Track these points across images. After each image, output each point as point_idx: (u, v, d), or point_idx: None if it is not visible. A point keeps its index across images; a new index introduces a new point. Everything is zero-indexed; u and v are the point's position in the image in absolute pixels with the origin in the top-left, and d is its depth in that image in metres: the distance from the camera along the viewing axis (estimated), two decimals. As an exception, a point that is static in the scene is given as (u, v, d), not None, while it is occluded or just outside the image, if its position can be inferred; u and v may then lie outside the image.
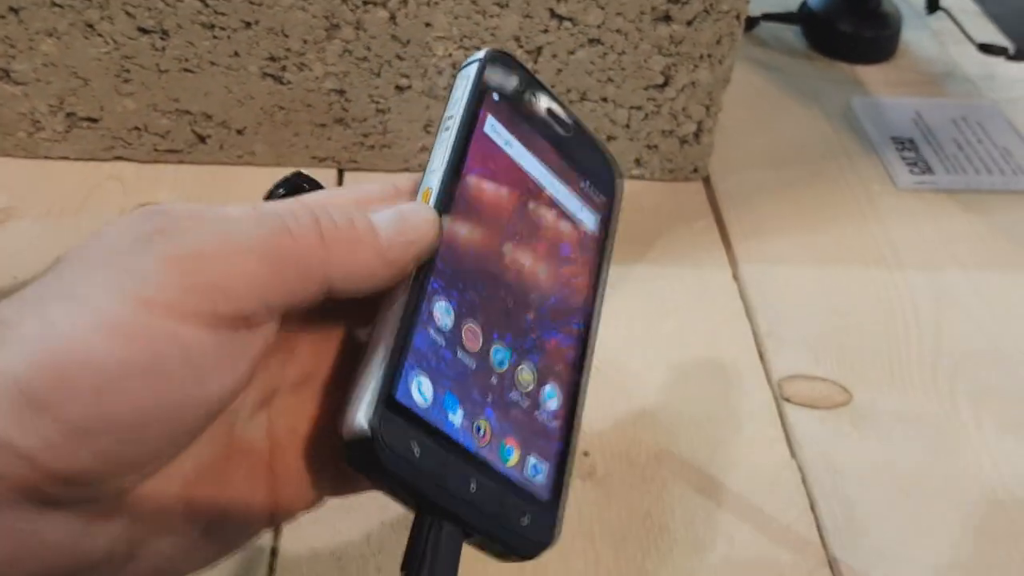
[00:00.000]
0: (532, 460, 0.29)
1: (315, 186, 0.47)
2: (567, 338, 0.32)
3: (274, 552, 0.42)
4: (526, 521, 0.28)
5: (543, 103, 0.33)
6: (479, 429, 0.27)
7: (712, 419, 0.50)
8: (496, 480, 0.27)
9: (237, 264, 0.23)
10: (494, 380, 0.28)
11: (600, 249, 0.34)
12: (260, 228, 0.24)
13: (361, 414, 0.24)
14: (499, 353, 0.29)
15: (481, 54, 0.31)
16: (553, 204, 0.32)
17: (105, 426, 0.21)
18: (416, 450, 0.25)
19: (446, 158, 0.29)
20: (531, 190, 0.31)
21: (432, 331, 0.26)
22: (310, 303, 0.25)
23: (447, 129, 0.29)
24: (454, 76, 0.31)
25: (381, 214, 0.26)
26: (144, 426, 0.22)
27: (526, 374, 0.29)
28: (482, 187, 0.29)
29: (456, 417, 0.27)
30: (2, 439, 0.20)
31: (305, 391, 0.28)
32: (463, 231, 0.28)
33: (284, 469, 0.27)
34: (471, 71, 0.30)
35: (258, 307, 0.23)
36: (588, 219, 0.33)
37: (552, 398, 0.30)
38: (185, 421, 0.23)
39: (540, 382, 0.30)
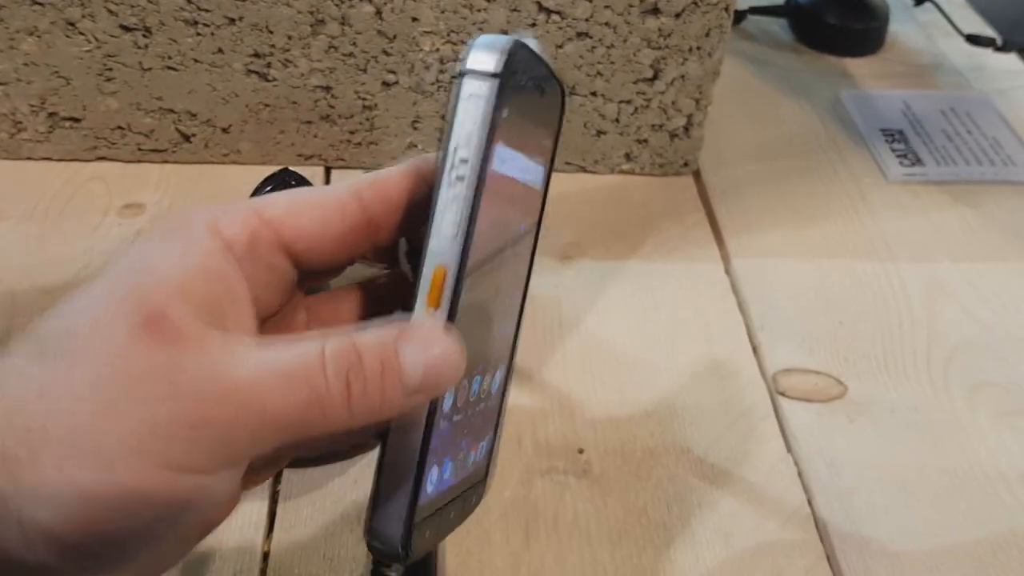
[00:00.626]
0: (482, 444, 0.30)
1: (302, 182, 0.46)
2: (512, 318, 0.31)
3: (266, 556, 0.42)
4: (475, 499, 0.30)
5: (533, 80, 0.27)
6: (460, 462, 0.28)
7: (707, 414, 0.50)
8: (464, 488, 0.29)
9: (262, 437, 0.24)
10: (470, 412, 0.28)
11: (542, 203, 0.31)
12: (289, 396, 0.24)
13: (392, 530, 0.25)
14: (476, 385, 0.28)
15: (496, 63, 0.24)
16: (533, 198, 0.30)
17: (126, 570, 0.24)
18: (427, 534, 0.26)
19: (461, 225, 0.25)
20: (522, 200, 0.29)
21: (443, 421, 0.26)
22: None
23: (460, 179, 0.25)
24: (458, 82, 0.25)
25: (411, 358, 0.25)
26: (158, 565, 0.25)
27: (487, 380, 0.29)
28: (488, 236, 0.27)
29: (448, 471, 0.27)
30: None
31: None
32: (470, 298, 0.26)
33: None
34: (485, 90, 0.24)
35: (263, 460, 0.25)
36: (540, 177, 0.30)
37: (497, 383, 0.30)
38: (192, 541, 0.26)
39: (492, 375, 0.30)
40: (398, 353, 0.25)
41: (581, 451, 0.47)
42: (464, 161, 0.25)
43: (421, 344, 0.25)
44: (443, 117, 0.26)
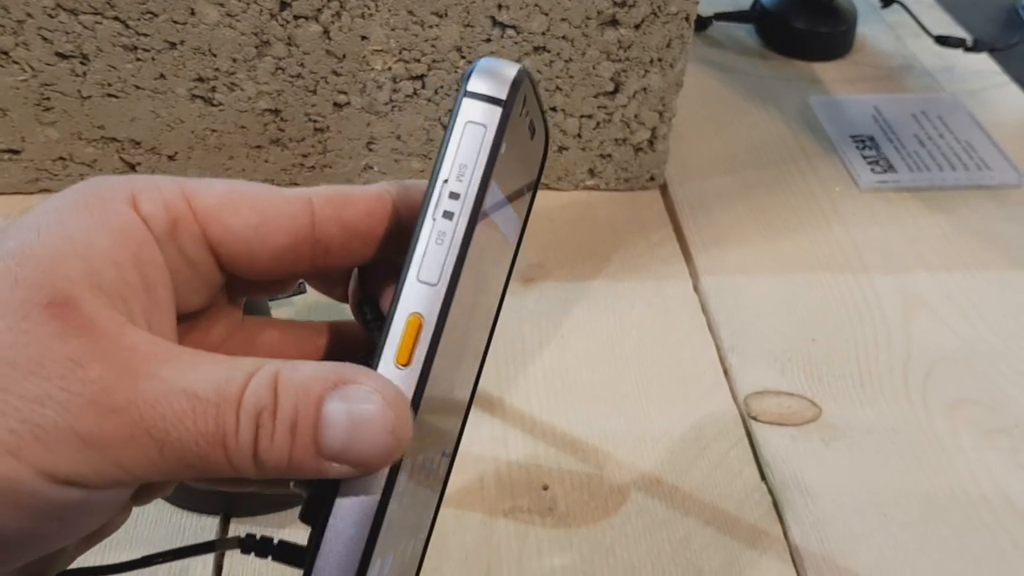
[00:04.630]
0: (417, 541, 0.26)
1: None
2: (467, 386, 0.27)
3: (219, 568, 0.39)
4: None
5: (530, 121, 0.24)
6: (401, 561, 0.24)
7: (677, 442, 0.48)
8: None
9: (158, 465, 0.20)
10: (416, 496, 0.24)
11: (513, 259, 0.28)
12: (193, 427, 0.20)
13: None
14: (430, 463, 0.25)
15: (502, 88, 0.21)
16: (506, 253, 0.27)
17: None
18: None
19: (447, 270, 0.21)
20: (497, 253, 0.26)
21: (395, 502, 0.21)
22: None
23: (448, 216, 0.21)
24: (457, 103, 0.21)
25: (336, 417, 0.21)
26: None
27: (435, 458, 0.25)
28: (467, 291, 0.23)
29: (388, 562, 0.23)
30: None
31: None
32: (440, 362, 0.22)
33: None
34: (488, 118, 0.21)
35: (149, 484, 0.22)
36: (515, 230, 0.27)
37: (443, 463, 0.26)
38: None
39: (439, 452, 0.26)
40: (322, 406, 0.20)
41: (546, 487, 0.45)
42: (455, 196, 0.21)
43: (357, 401, 0.20)
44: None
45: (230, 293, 0.27)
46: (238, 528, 0.42)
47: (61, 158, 0.59)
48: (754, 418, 0.49)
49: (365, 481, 0.20)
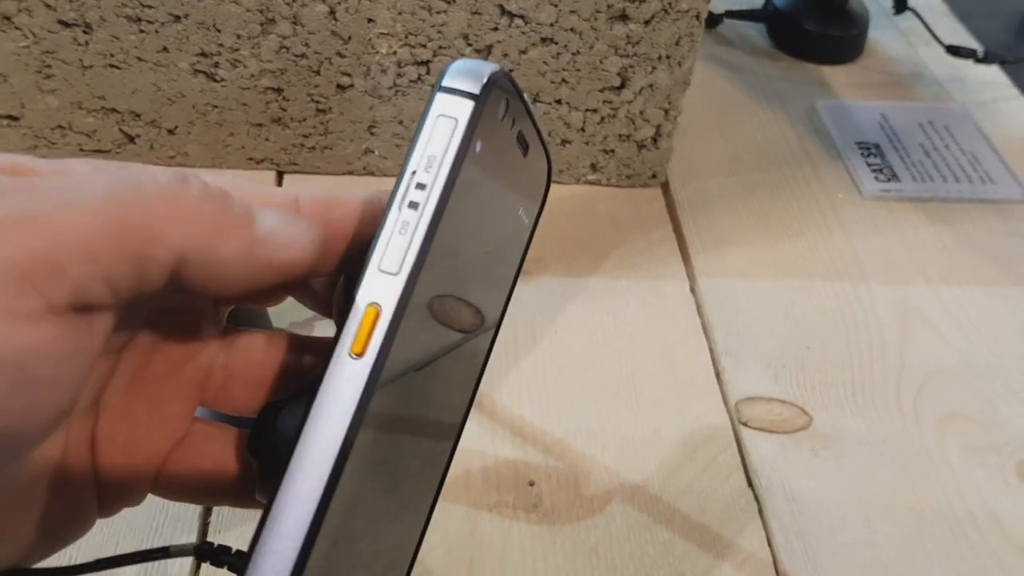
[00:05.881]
0: None
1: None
2: (444, 449, 0.26)
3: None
4: None
5: (516, 130, 0.24)
6: None
7: (666, 444, 0.48)
8: None
9: (74, 228, 0.18)
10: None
11: (509, 293, 0.28)
12: (105, 185, 0.19)
13: None
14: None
15: (476, 84, 0.21)
16: (500, 285, 0.26)
17: None
18: None
19: (408, 260, 0.21)
20: (485, 282, 0.25)
21: (344, 494, 0.21)
22: (159, 286, 0.20)
23: (414, 206, 0.21)
24: (430, 99, 0.22)
25: (263, 209, 0.22)
26: None
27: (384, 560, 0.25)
28: (437, 283, 0.22)
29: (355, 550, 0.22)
30: None
31: (135, 388, 0.24)
32: (401, 354, 0.21)
33: (109, 468, 0.24)
34: (462, 112, 0.21)
35: (100, 287, 0.19)
36: (512, 262, 0.27)
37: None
38: (9, 444, 0.19)
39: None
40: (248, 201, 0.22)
41: (532, 483, 0.45)
42: (422, 187, 0.21)
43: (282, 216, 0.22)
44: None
45: (215, 300, 0.26)
46: (218, 530, 0.42)
47: (60, 127, 0.58)
48: (744, 424, 0.49)
49: (314, 460, 0.20)
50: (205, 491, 0.26)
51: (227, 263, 0.20)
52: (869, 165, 0.66)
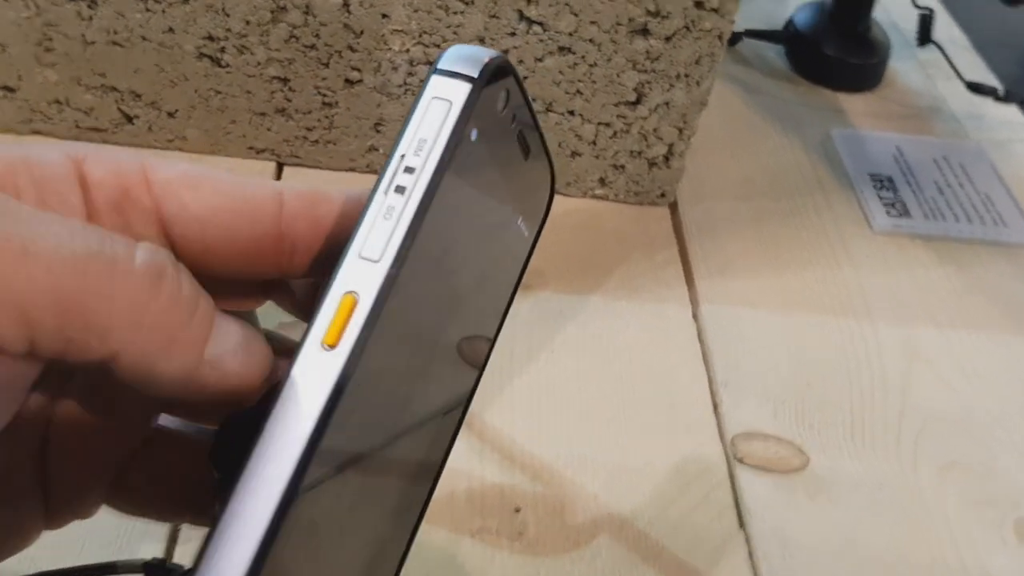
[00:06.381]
0: None
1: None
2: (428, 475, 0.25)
3: None
4: None
5: (516, 127, 0.23)
6: None
7: (658, 477, 0.46)
8: None
9: (16, 282, 0.17)
10: None
11: (506, 308, 0.26)
12: (75, 251, 0.17)
13: None
14: None
15: (474, 67, 0.20)
16: (497, 298, 0.25)
17: None
18: None
19: (392, 247, 0.19)
20: (477, 292, 0.24)
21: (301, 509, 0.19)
22: (84, 366, 0.18)
23: (401, 190, 0.19)
24: (424, 81, 0.20)
25: (227, 323, 0.20)
26: None
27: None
28: (426, 277, 0.21)
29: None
30: None
31: (92, 392, 0.23)
32: (380, 349, 0.19)
33: (58, 477, 0.23)
34: (457, 94, 0.20)
35: (21, 346, 0.17)
36: (510, 276, 0.26)
37: None
38: None
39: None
40: (216, 315, 0.20)
41: (518, 510, 0.44)
42: (410, 171, 0.19)
43: (241, 325, 0.20)
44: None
45: None
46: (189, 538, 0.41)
47: (57, 101, 0.56)
48: (740, 460, 0.48)
49: (273, 464, 0.18)
50: (163, 506, 0.24)
51: (161, 378, 0.19)
52: (881, 199, 0.65)
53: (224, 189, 0.21)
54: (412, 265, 0.19)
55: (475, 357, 0.25)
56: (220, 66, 0.55)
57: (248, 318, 0.33)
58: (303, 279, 0.24)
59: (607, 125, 0.58)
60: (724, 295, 0.56)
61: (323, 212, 0.22)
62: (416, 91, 0.56)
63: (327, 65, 0.55)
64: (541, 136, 0.24)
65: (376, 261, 0.19)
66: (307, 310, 0.25)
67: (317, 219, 0.22)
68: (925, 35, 0.75)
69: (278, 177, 0.59)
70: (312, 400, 0.18)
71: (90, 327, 0.17)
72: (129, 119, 0.57)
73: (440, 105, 0.19)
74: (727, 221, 0.62)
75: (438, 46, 0.54)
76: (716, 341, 0.53)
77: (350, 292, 0.19)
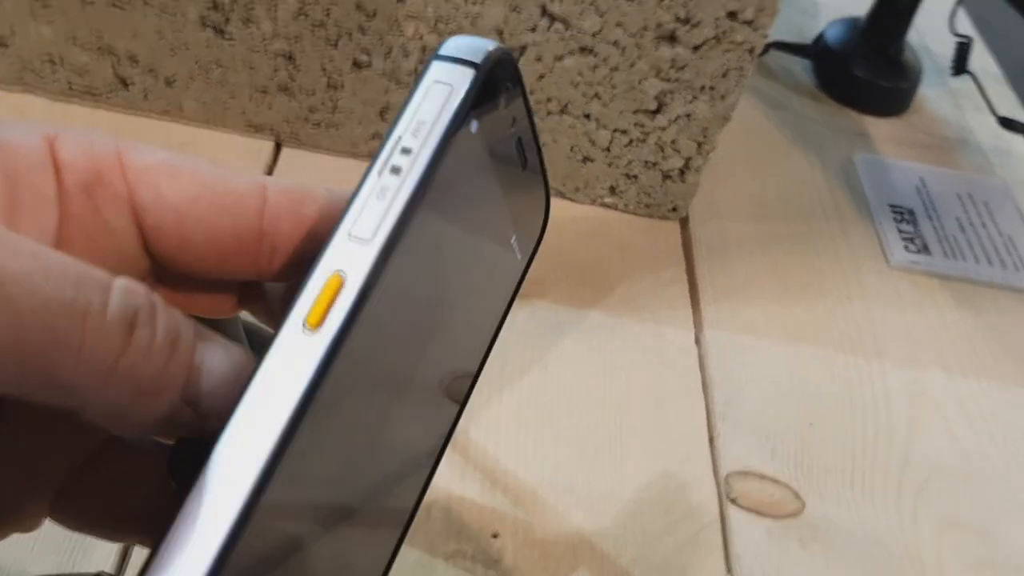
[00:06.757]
0: None
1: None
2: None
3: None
4: None
5: (516, 134, 0.22)
6: None
7: (646, 510, 0.44)
8: None
9: None
10: None
11: (496, 331, 0.25)
12: (46, 288, 0.15)
13: None
14: None
15: (478, 54, 0.19)
16: (486, 324, 0.24)
17: None
18: None
19: (384, 227, 0.17)
20: (467, 316, 0.22)
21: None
22: (47, 407, 0.17)
23: (396, 171, 0.18)
24: (425, 66, 0.19)
25: (213, 359, 0.18)
26: None
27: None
28: (418, 266, 0.19)
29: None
30: None
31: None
32: (366, 334, 0.18)
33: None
34: (459, 80, 0.19)
35: None
36: (501, 298, 0.24)
37: None
38: None
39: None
40: (196, 346, 0.17)
41: (496, 535, 0.41)
42: (407, 152, 0.18)
43: (229, 352, 0.18)
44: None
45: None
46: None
47: (51, 60, 0.54)
48: (732, 500, 0.45)
49: (239, 460, 0.16)
50: (113, 521, 0.22)
51: (133, 425, 0.17)
52: (900, 232, 0.62)
53: (204, 179, 0.20)
54: (404, 248, 0.17)
55: (463, 376, 0.23)
56: (224, 37, 0.52)
57: (230, 326, 0.31)
58: (279, 283, 0.22)
59: (623, 132, 0.55)
60: (729, 321, 0.54)
61: (308, 212, 0.20)
62: (427, 80, 0.53)
63: (336, 45, 0.52)
64: (539, 153, 0.23)
65: (367, 240, 0.17)
66: (262, 311, 0.23)
67: (301, 219, 0.20)
68: (961, 65, 0.72)
69: (276, 156, 0.56)
70: (288, 389, 0.16)
71: (53, 383, 0.16)
72: (125, 84, 0.54)
73: (441, 89, 0.18)
74: (738, 242, 0.59)
75: (453, 35, 0.51)
76: (718, 370, 0.51)
77: (338, 272, 0.17)
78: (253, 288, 0.23)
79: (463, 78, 0.18)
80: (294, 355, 0.16)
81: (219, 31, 0.52)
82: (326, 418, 0.17)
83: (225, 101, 0.55)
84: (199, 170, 0.20)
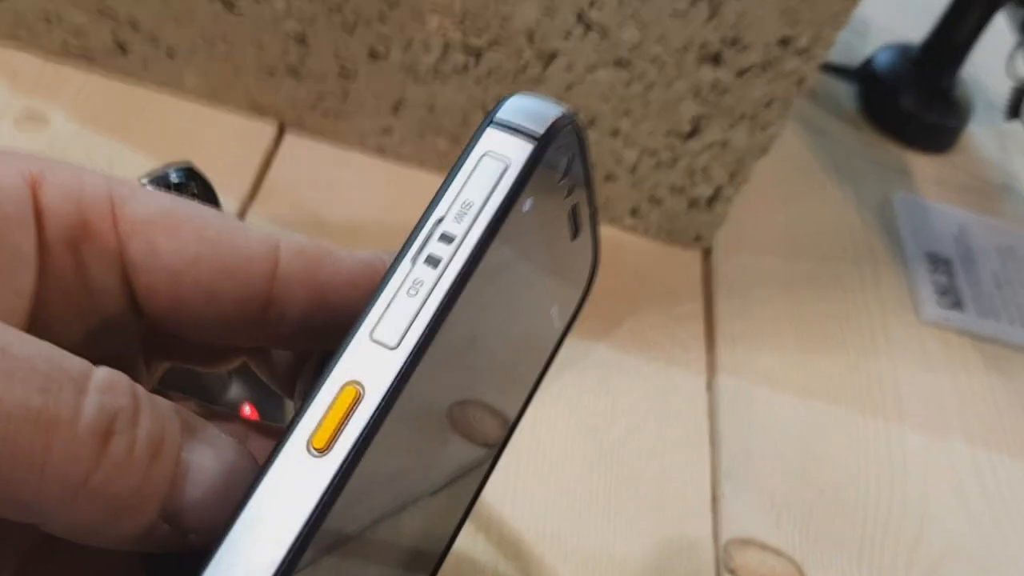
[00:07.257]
0: None
1: (207, 194, 0.35)
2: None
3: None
4: None
5: (571, 202, 0.19)
6: None
7: (638, 572, 0.41)
8: None
9: None
10: None
11: (523, 407, 0.22)
12: (12, 388, 0.13)
13: None
14: None
15: (541, 123, 0.16)
16: (513, 399, 0.21)
17: None
18: None
19: (414, 332, 0.15)
20: (496, 388, 0.20)
21: None
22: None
23: (434, 263, 0.15)
24: (478, 132, 0.16)
25: (201, 461, 0.15)
26: None
27: None
28: (445, 379, 0.17)
29: None
30: None
31: None
32: (379, 458, 0.15)
33: None
34: (517, 154, 0.16)
35: None
36: (538, 357, 0.22)
37: None
38: None
39: None
40: (183, 446, 0.15)
41: (472, 592, 0.38)
42: (448, 239, 0.15)
43: (220, 452, 0.15)
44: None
45: (147, 354, 0.20)
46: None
47: (47, 18, 0.50)
48: (731, 572, 0.42)
49: None
50: None
51: (101, 542, 0.15)
52: (934, 283, 0.59)
53: (208, 236, 0.17)
54: (432, 356, 0.15)
55: (483, 459, 0.21)
56: (232, 11, 0.48)
57: (222, 381, 0.27)
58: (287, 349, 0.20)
59: (652, 154, 0.51)
60: (745, 367, 0.50)
61: (325, 279, 0.18)
62: (447, 79, 0.49)
63: (352, 32, 0.48)
64: (595, 218, 0.20)
65: (392, 348, 0.15)
66: (287, 382, 0.20)
67: (317, 286, 0.18)
68: (1015, 109, 0.68)
69: (277, 142, 0.52)
70: (285, 525, 0.14)
71: (11, 499, 0.14)
72: (123, 50, 0.51)
73: (493, 164, 0.16)
74: (763, 280, 0.55)
75: (479, 34, 0.48)
76: (727, 422, 0.48)
77: (353, 383, 0.14)
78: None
79: (521, 153, 0.16)
80: (295, 480, 0.14)
81: (228, 4, 0.48)
82: (329, 549, 0.14)
83: (228, 79, 0.51)
84: (203, 224, 0.17)
